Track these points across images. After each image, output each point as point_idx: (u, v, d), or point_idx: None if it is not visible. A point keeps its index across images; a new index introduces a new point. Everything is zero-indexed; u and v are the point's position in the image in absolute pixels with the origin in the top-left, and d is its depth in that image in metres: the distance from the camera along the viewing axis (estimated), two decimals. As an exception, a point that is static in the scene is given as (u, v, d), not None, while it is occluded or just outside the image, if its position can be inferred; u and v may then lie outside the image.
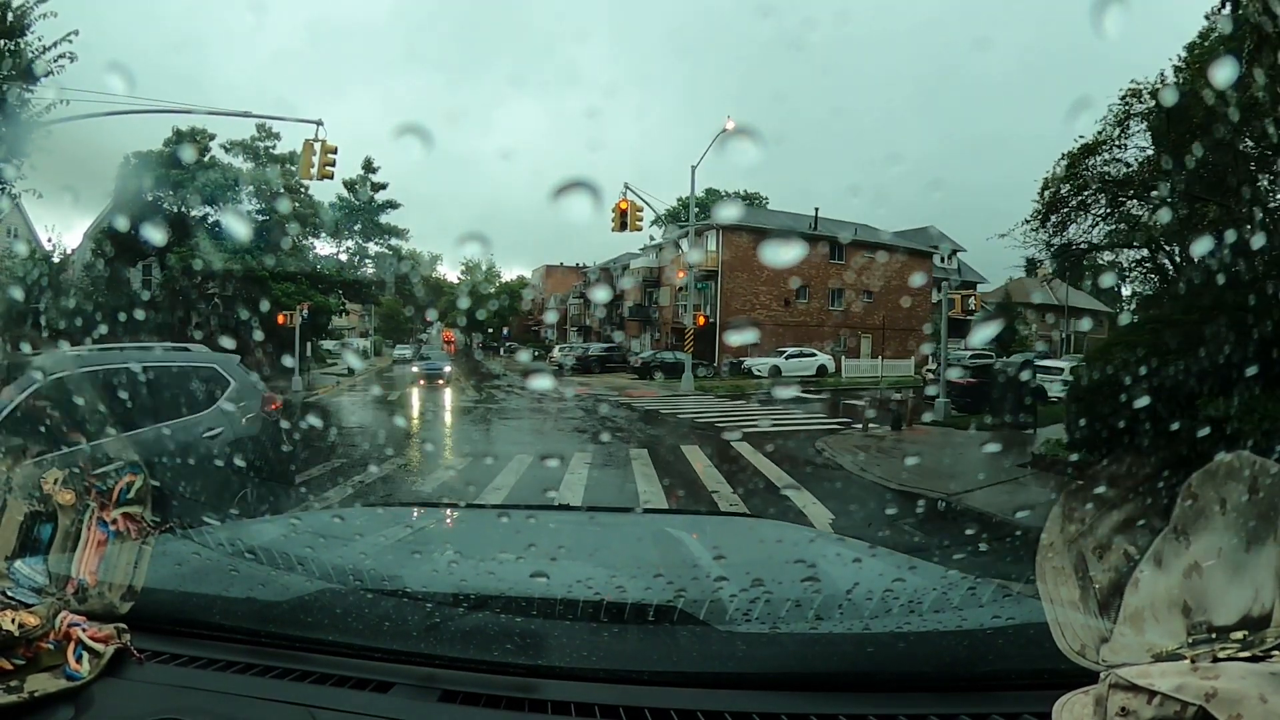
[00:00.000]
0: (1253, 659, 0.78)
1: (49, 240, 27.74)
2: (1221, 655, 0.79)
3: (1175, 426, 6.85)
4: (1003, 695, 1.11)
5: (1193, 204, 11.62)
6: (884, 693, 1.15)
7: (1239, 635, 0.82)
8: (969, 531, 7.17)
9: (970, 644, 1.24)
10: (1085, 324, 40.20)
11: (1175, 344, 8.47)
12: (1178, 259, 15.00)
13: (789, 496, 8.52)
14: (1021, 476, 9.83)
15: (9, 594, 1.16)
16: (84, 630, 1.15)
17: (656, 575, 1.81)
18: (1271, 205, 11.75)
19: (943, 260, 43.99)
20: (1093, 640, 0.96)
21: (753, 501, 8.34)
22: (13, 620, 1.09)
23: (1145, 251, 15.27)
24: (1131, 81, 12.50)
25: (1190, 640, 0.86)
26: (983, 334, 25.63)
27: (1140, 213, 13.57)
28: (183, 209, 28.52)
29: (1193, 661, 0.80)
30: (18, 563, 1.24)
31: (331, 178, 16.25)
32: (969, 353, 29.34)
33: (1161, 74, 12.56)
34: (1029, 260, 28.34)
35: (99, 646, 1.15)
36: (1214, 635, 0.85)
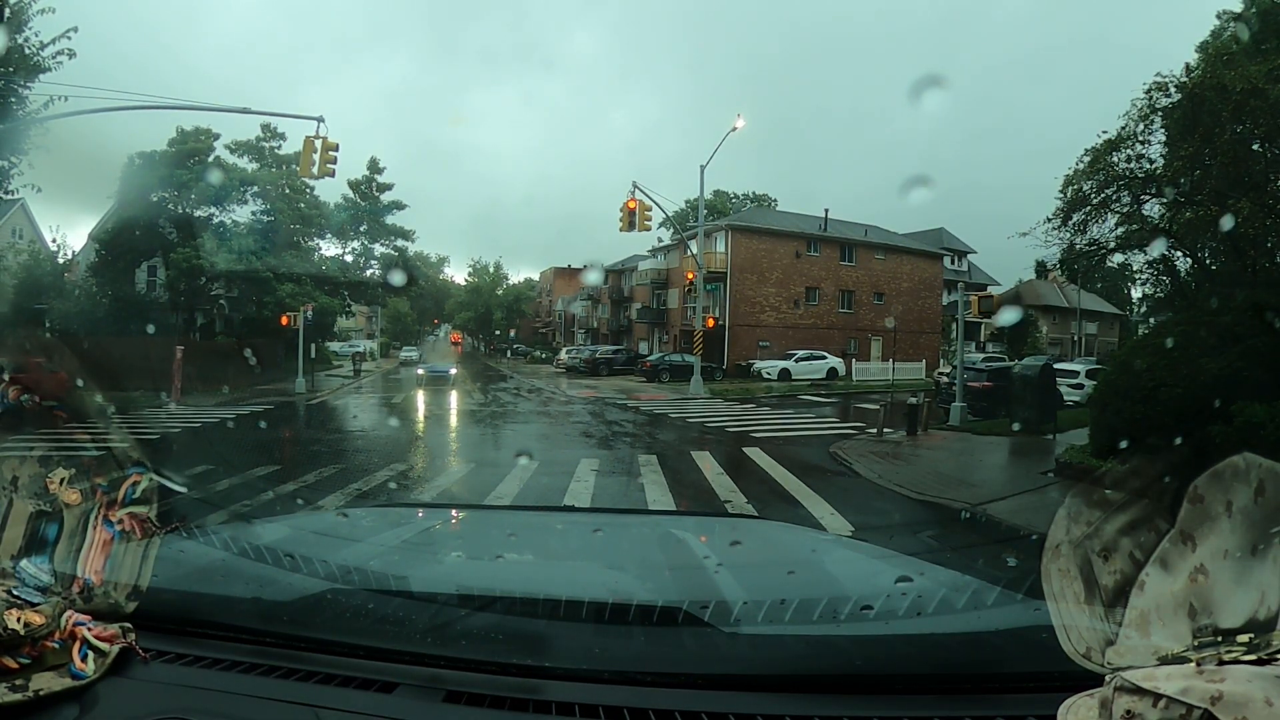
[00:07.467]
0: (1259, 662, 0.77)
1: (53, 240, 28.08)
2: (1227, 658, 0.79)
3: (1212, 431, 6.74)
4: (1008, 698, 1.11)
5: (1223, 201, 11.38)
6: (889, 695, 1.14)
7: (1245, 638, 0.82)
8: (998, 547, 6.98)
9: (975, 646, 1.24)
10: (1092, 327, 39.84)
11: (1208, 346, 8.32)
12: (1200, 258, 14.72)
13: (805, 506, 8.37)
14: (1046, 485, 9.55)
15: (15, 593, 1.16)
16: (89, 629, 1.16)
17: (662, 576, 1.81)
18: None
19: (953, 262, 43.84)
20: (1098, 643, 0.96)
21: (768, 512, 8.08)
22: (18, 619, 1.09)
23: (1157, 253, 14.99)
24: (1156, 74, 12.20)
25: (1196, 643, 0.85)
26: (1006, 316, 25.71)
27: (1162, 211, 13.21)
28: (187, 209, 28.51)
29: (1198, 665, 0.79)
30: (23, 561, 1.25)
31: (333, 175, 16.19)
32: (981, 356, 29.22)
33: (1187, 66, 12.31)
34: (1039, 263, 28.13)
35: (104, 645, 1.15)
36: (1220, 638, 0.84)
